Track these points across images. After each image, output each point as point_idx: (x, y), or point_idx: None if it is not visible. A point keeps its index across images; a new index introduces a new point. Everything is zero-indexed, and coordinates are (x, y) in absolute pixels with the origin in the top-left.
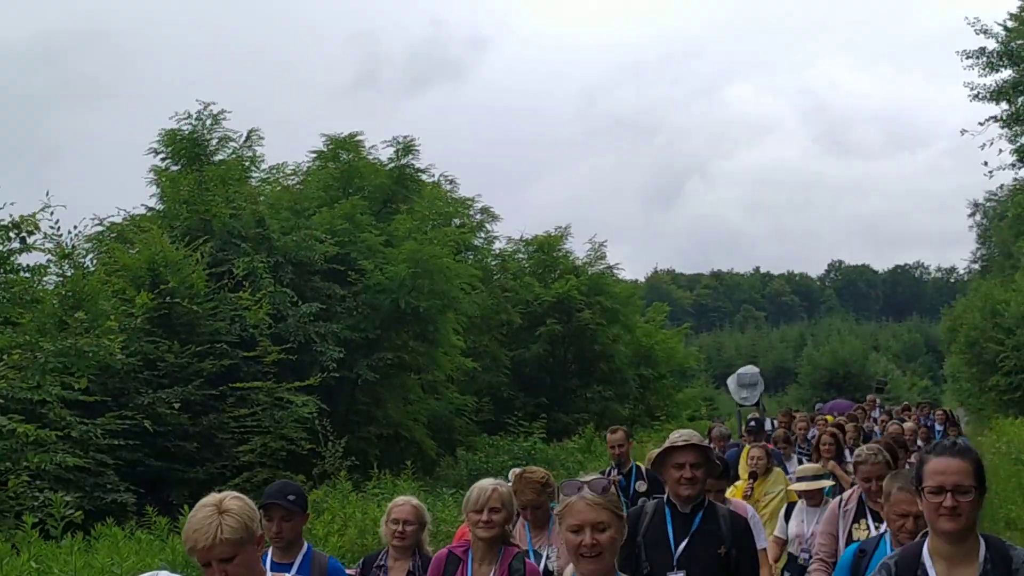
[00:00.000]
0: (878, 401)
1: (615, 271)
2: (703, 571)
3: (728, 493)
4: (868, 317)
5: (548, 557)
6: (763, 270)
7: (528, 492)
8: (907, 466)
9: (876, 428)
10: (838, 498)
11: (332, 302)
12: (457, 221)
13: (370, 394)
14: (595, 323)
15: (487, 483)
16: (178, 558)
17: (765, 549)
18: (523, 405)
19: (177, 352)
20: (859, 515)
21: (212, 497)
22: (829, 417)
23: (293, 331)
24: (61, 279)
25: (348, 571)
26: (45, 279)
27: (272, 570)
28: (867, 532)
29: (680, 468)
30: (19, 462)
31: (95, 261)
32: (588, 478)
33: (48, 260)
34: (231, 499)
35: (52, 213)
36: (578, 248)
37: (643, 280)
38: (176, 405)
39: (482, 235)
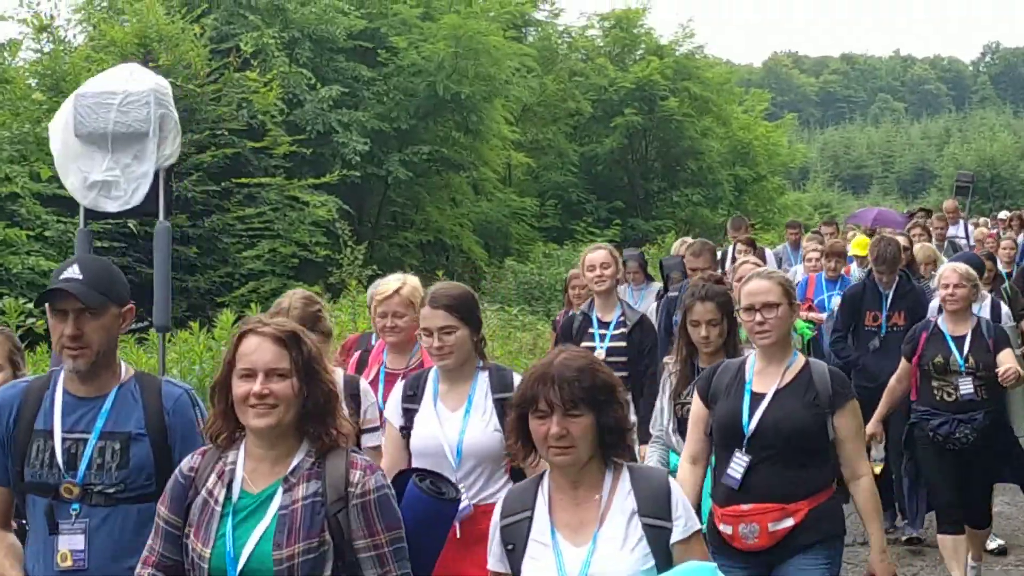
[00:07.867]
0: (960, 210)
1: (706, 52)
2: None
3: None
4: None
5: None
6: (904, 53)
7: None
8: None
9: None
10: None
11: (358, 86)
12: None
13: (406, 195)
14: (682, 114)
15: None
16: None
17: None
18: (595, 210)
19: None
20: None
21: None
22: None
23: (310, 119)
24: (39, 55)
25: None
26: (19, 56)
27: None
28: None
29: None
30: None
31: (84, 36)
32: None
33: (21, 33)
34: None
35: None
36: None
37: (759, 65)
38: None
39: (545, 7)
